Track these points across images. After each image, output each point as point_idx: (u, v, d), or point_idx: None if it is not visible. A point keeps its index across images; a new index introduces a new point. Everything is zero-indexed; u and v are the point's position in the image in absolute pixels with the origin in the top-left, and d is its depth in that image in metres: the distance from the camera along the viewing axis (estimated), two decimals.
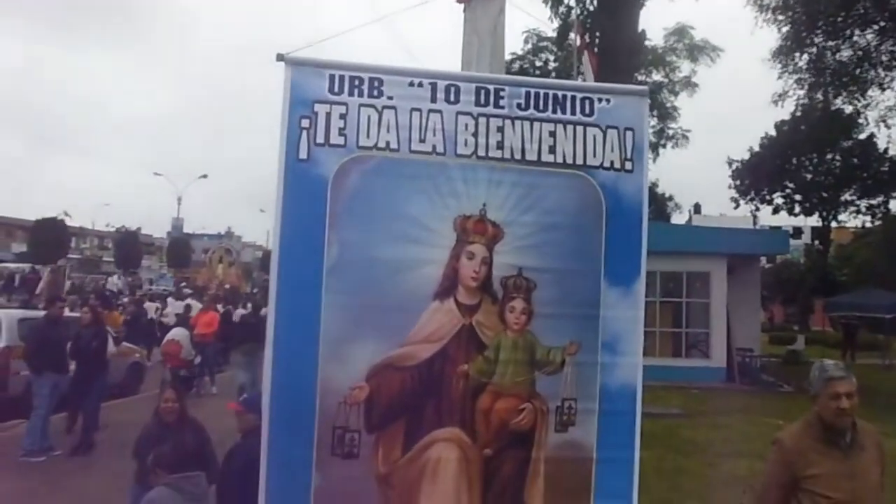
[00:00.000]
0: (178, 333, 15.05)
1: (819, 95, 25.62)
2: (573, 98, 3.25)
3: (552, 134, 3.18)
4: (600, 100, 3.27)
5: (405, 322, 2.99)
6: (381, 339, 2.99)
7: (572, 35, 14.43)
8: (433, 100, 3.16)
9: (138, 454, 5.85)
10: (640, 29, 9.85)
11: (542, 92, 3.25)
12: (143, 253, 57.19)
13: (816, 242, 38.58)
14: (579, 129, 3.21)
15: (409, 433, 2.96)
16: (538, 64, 31.90)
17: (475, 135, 3.12)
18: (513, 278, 3.02)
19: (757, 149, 32.66)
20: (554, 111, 3.21)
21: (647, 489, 8.78)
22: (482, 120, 3.15)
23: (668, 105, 31.59)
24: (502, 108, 3.18)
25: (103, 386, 10.63)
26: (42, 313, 12.02)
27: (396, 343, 2.98)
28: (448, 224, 3.04)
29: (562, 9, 11.70)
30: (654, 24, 44.38)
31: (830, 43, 22.30)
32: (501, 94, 3.20)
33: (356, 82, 3.16)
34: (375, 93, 3.15)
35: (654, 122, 32.13)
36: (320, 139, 3.06)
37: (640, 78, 31.49)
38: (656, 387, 17.42)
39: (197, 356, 14.93)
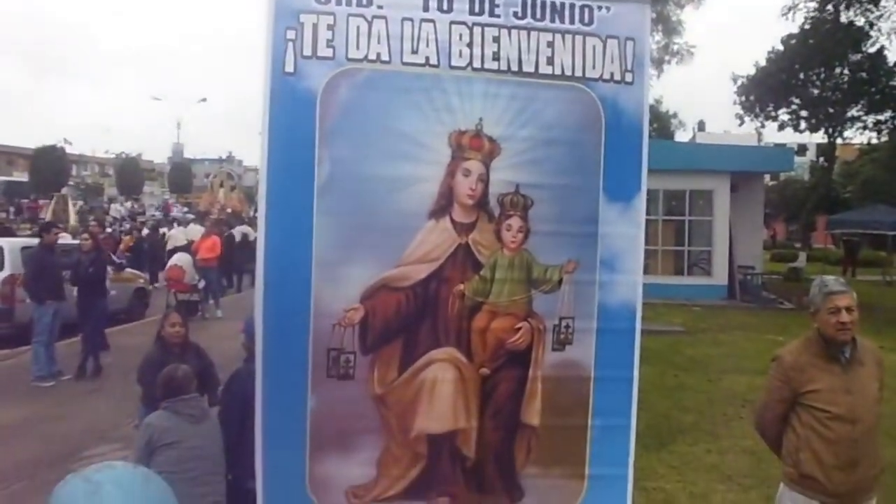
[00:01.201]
0: (180, 258, 15.12)
1: (830, 7, 24.88)
2: (572, 6, 3.07)
3: (550, 44, 3.02)
4: (600, 8, 3.09)
5: (399, 242, 2.92)
6: (375, 260, 2.92)
7: None
8: (425, 8, 2.99)
9: (143, 379, 5.92)
10: None
11: (539, 0, 3.08)
12: (145, 179, 56.96)
13: (821, 159, 38.19)
14: (578, 38, 3.04)
15: (405, 354, 2.93)
16: None
17: (470, 45, 2.97)
18: (510, 195, 2.92)
19: (763, 64, 31.94)
20: (552, 20, 3.04)
21: (648, 406, 8.97)
22: (477, 30, 2.99)
23: (674, 19, 30.78)
24: (498, 16, 3.02)
25: (105, 311, 10.71)
26: None
27: (391, 263, 2.91)
28: (443, 140, 2.93)
29: None
30: None
31: None
32: (497, 2, 3.01)
33: None
34: (364, 1, 2.98)
35: (658, 37, 31.34)
36: (307, 52, 2.92)
37: None
38: (658, 304, 17.57)
39: (200, 280, 15.03)
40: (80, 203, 33.68)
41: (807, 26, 27.95)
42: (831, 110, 31.97)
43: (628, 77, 3.05)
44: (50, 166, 44.64)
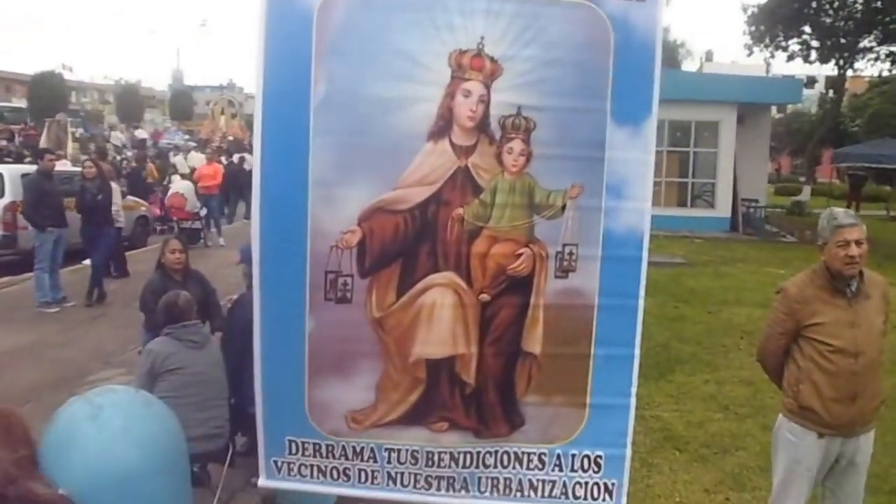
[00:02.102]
0: (182, 186, 15.06)
1: None
2: None
3: None
4: None
5: (397, 163, 2.84)
6: (372, 181, 2.85)
7: None
8: None
9: (144, 305, 5.95)
10: None
11: None
12: (145, 106, 56.31)
13: (830, 92, 37.53)
14: None
15: (403, 278, 2.89)
16: None
17: None
18: (511, 117, 2.82)
19: None
20: None
21: (647, 336, 8.96)
22: None
23: None
24: None
25: (111, 238, 10.72)
26: None
27: (388, 185, 2.84)
28: (443, 60, 2.81)
29: None
30: None
31: None
32: None
33: None
34: None
35: None
36: None
37: None
38: (660, 236, 17.56)
39: (202, 208, 14.99)
40: (80, 130, 33.32)
41: None
42: (843, 40, 31.22)
43: None
44: (49, 92, 44.12)
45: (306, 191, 2.82)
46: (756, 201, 20.58)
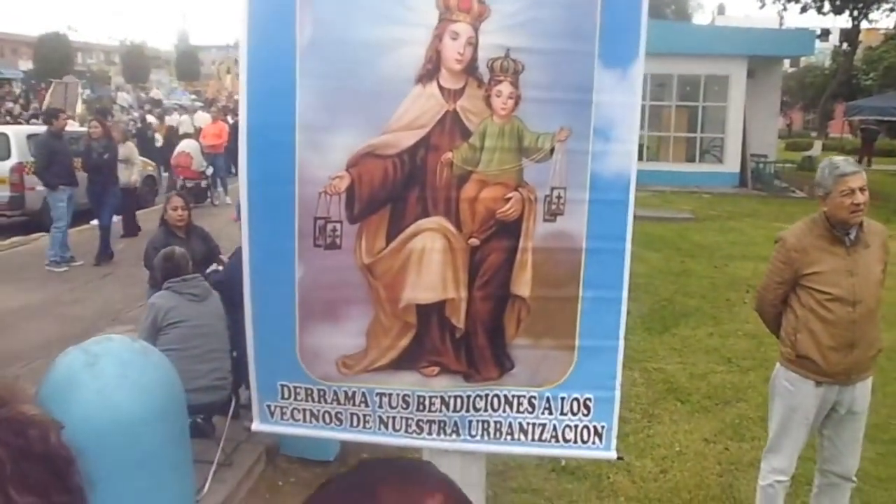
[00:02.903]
0: (188, 145, 15.08)
1: None
2: None
3: None
4: None
5: (385, 108, 2.81)
6: (360, 126, 2.83)
7: None
8: None
9: (148, 262, 6.00)
10: None
11: None
12: (151, 66, 55.99)
13: (844, 45, 36.83)
14: None
15: (393, 223, 2.88)
16: None
17: None
18: (499, 60, 2.78)
19: None
20: None
21: (652, 290, 9.08)
22: None
23: None
24: None
25: (117, 197, 10.78)
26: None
27: (377, 130, 2.82)
28: (431, 1, 2.78)
29: None
30: None
31: None
32: None
33: None
34: None
35: None
36: None
37: None
38: (668, 191, 17.50)
39: (208, 167, 15.02)
40: (87, 92, 33.24)
41: None
42: None
43: None
44: (54, 53, 43.91)
45: (293, 136, 2.81)
46: (765, 156, 20.38)
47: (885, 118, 25.40)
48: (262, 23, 2.80)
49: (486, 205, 2.85)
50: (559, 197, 2.85)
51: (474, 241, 2.89)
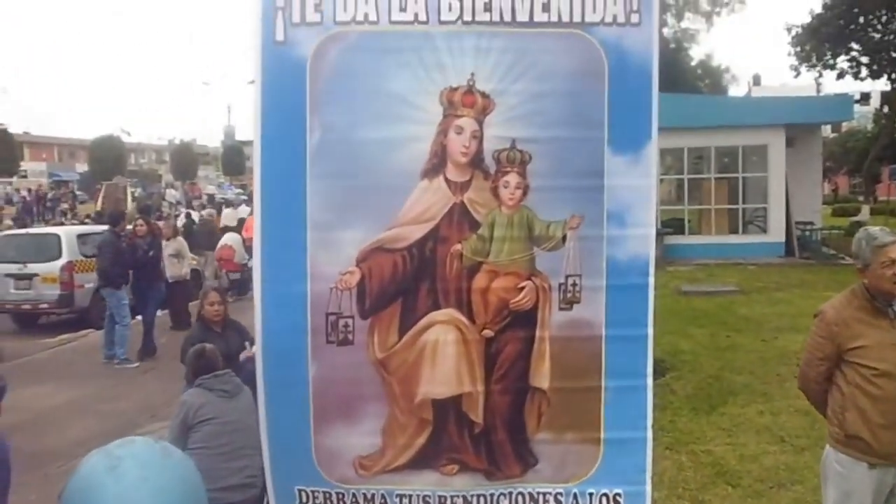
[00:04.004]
0: (230, 238, 15.41)
1: None
2: None
3: None
4: None
5: (394, 203, 2.85)
6: (369, 222, 2.87)
7: None
8: None
9: (185, 358, 6.04)
10: None
11: None
12: (199, 163, 58.18)
13: (885, 108, 36.56)
14: None
15: (405, 317, 2.88)
16: None
17: None
18: (505, 151, 2.82)
19: (819, 10, 30.62)
20: None
21: (698, 368, 8.81)
22: None
23: None
24: None
25: (160, 293, 11.03)
26: (100, 229, 12.46)
27: (385, 225, 2.85)
28: (434, 98, 2.83)
29: None
30: None
31: None
32: None
33: None
34: None
35: None
36: (296, 18, 2.86)
37: None
38: (711, 264, 17.22)
39: (251, 260, 15.25)
40: (139, 190, 34.59)
41: None
42: (895, 54, 30.50)
43: (634, 18, 2.87)
44: (108, 155, 46.01)
45: (305, 234, 2.85)
46: (811, 224, 20.02)
47: None
48: (274, 129, 2.89)
49: (498, 295, 2.83)
50: (574, 284, 2.82)
51: (488, 333, 2.85)
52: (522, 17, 2.81)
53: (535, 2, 2.81)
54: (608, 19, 2.83)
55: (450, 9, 2.81)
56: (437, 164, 2.83)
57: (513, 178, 2.81)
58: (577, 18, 2.83)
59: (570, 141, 2.81)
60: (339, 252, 2.86)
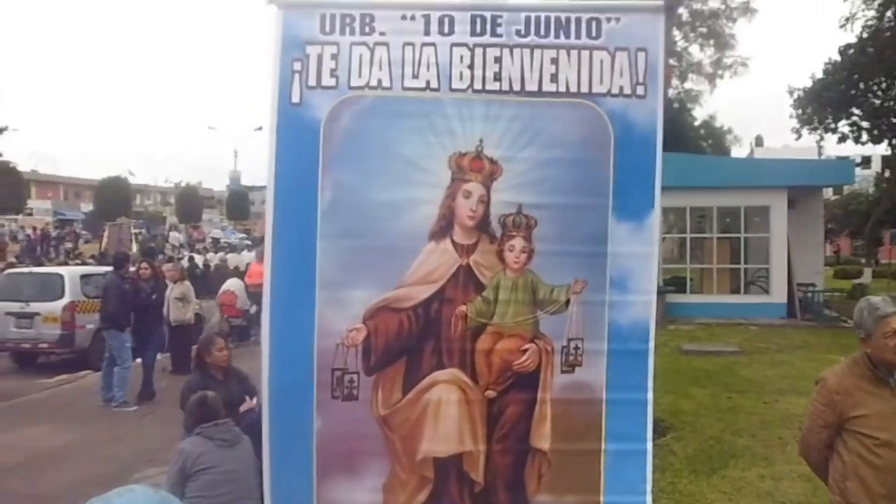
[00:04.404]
0: (233, 284, 15.41)
1: (889, 14, 24.16)
2: (578, 20, 3.04)
3: (554, 61, 2.99)
4: (609, 19, 3.03)
5: (401, 263, 2.93)
6: (377, 281, 2.94)
7: None
8: (426, 32, 3.02)
9: (184, 404, 6.02)
10: None
11: (542, 16, 3.04)
12: (204, 207, 58.54)
13: (886, 172, 36.89)
14: (584, 53, 3.01)
15: (409, 375, 2.93)
16: None
17: (471, 67, 2.98)
18: (511, 216, 2.91)
19: (820, 75, 31.13)
20: (556, 36, 3.02)
21: (699, 429, 8.75)
22: (478, 50, 3.00)
23: (727, 32, 30.40)
24: (500, 36, 3.01)
25: (161, 337, 11.01)
26: (103, 270, 12.51)
27: (393, 284, 2.93)
28: (443, 162, 2.94)
29: None
30: None
31: None
32: (499, 20, 3.02)
33: (347, 20, 3.05)
34: (367, 29, 3.04)
35: (710, 51, 30.96)
36: (312, 82, 2.99)
37: (694, 6, 30.47)
38: (713, 324, 17.14)
39: (252, 305, 15.24)
40: (143, 231, 34.77)
41: (865, 35, 27.20)
42: (895, 120, 30.92)
43: (640, 90, 2.98)
44: (114, 196, 46.31)
45: (314, 291, 2.91)
46: (813, 285, 20.01)
47: None
48: (287, 187, 2.98)
49: (501, 356, 2.88)
50: (577, 348, 2.87)
51: (491, 393, 2.89)
52: (531, 86, 2.93)
53: (543, 72, 2.93)
54: (615, 91, 2.94)
55: (461, 77, 2.93)
56: (444, 226, 2.91)
57: (518, 243, 2.89)
58: (584, 89, 2.94)
59: (576, 208, 2.90)
60: (347, 309, 2.92)
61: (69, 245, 28.90)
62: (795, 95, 31.92)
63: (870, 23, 25.18)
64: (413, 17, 3.04)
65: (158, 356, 11.13)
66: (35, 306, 12.25)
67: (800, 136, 32.91)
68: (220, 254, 22.54)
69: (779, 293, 19.10)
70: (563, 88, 2.96)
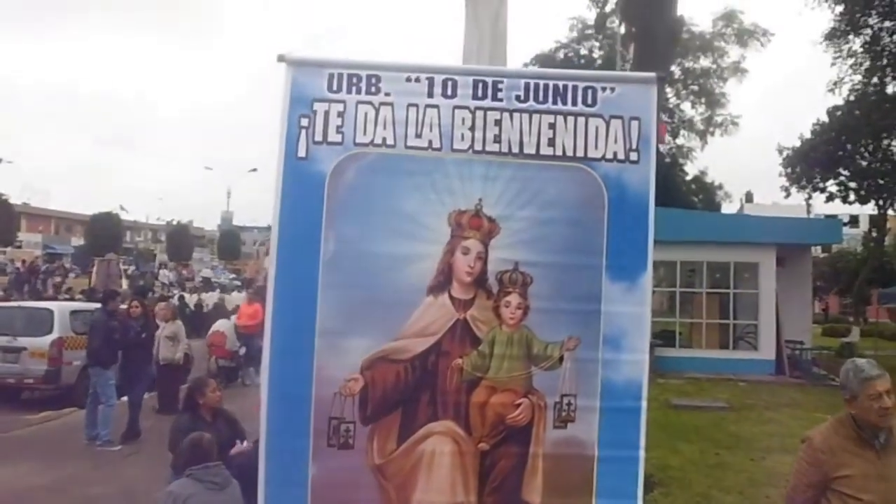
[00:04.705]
0: (222, 324, 15.38)
1: (876, 79, 24.76)
2: (574, 88, 3.19)
3: (552, 126, 3.13)
4: (604, 88, 3.20)
5: (400, 316, 3.02)
6: (375, 333, 3.02)
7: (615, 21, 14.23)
8: (430, 94, 3.16)
9: (173, 445, 5.99)
10: (678, 14, 9.59)
11: (541, 83, 3.20)
12: (195, 245, 58.47)
13: (873, 231, 37.36)
14: (580, 119, 3.15)
15: (404, 425, 2.99)
16: (583, 52, 31.58)
17: (472, 129, 3.11)
18: (508, 273, 3.01)
19: (808, 135, 31.75)
20: (554, 102, 3.17)
21: (686, 485, 8.73)
22: (479, 113, 3.14)
23: (717, 91, 31.01)
24: (500, 100, 3.16)
25: (149, 376, 10.95)
26: (93, 306, 12.46)
27: (391, 336, 3.01)
28: (443, 219, 3.05)
29: None
30: (701, 8, 43.61)
31: (887, 24, 21.49)
32: (500, 86, 3.17)
33: (354, 80, 3.19)
34: (373, 89, 3.18)
35: (701, 109, 31.55)
36: (318, 137, 3.11)
37: (686, 64, 31.11)
38: (702, 379, 17.15)
39: (241, 347, 15.20)
40: (132, 268, 34.65)
41: (852, 98, 27.83)
42: (881, 181, 31.44)
43: (633, 156, 3.11)
44: (105, 232, 46.23)
45: (313, 339, 2.97)
46: (801, 343, 20.08)
47: None
48: (291, 237, 3.07)
49: (495, 410, 2.94)
50: (570, 404, 2.94)
51: (484, 446, 2.95)
52: (529, 149, 3.05)
53: (541, 136, 3.06)
54: (609, 156, 3.07)
55: (462, 138, 3.05)
56: (442, 281, 3.00)
57: (514, 299, 2.97)
58: (580, 153, 3.06)
59: (571, 267, 2.99)
60: (345, 358, 2.99)
61: (58, 279, 28.73)
62: (785, 154, 32.52)
63: (857, 87, 25.79)
64: (418, 80, 3.18)
65: (146, 395, 11.04)
66: (22, 341, 12.17)
67: (789, 195, 33.43)
68: (214, 293, 22.46)
69: (767, 349, 19.15)
70: (559, 152, 3.09)
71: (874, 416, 3.38)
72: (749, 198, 56.82)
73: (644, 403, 2.98)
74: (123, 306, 12.31)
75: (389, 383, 3.00)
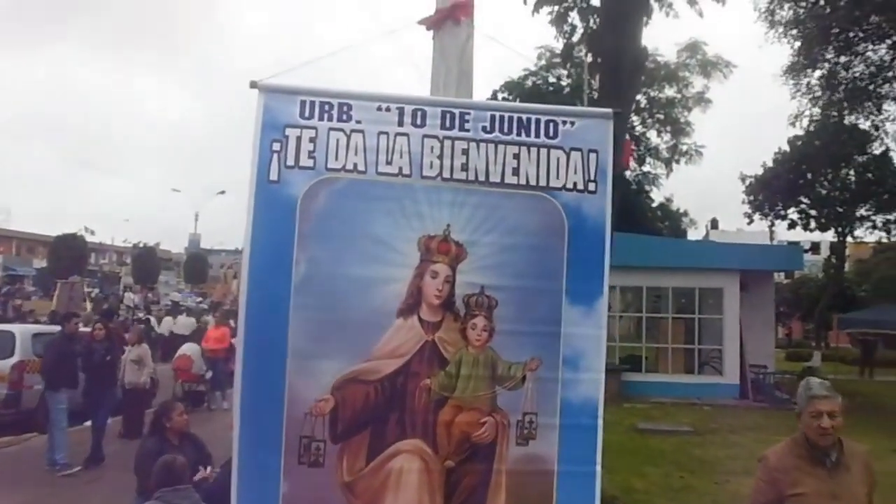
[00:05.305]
0: (189, 348, 15.23)
1: (834, 112, 25.47)
2: (537, 121, 3.35)
3: (516, 156, 3.28)
4: (564, 122, 3.36)
5: (370, 337, 3.11)
6: (346, 354, 3.11)
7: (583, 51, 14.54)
8: (400, 123, 3.28)
9: (139, 469, 5.95)
10: (643, 45, 9.85)
11: (506, 115, 3.36)
12: (161, 268, 57.74)
13: (833, 258, 38.24)
14: (543, 151, 3.31)
15: (373, 444, 3.07)
16: (551, 80, 32.05)
17: (440, 157, 3.24)
18: (475, 296, 3.13)
19: (770, 164, 32.50)
20: (518, 134, 3.32)
21: None
22: (448, 143, 3.27)
23: (682, 121, 31.60)
24: (468, 131, 3.30)
25: (114, 399, 10.80)
26: (56, 329, 12.28)
27: (361, 357, 3.10)
28: (413, 244, 3.16)
29: (566, 27, 11.76)
30: (665, 39, 44.53)
31: (843, 59, 22.19)
32: (467, 117, 3.32)
33: (326, 107, 3.30)
34: (344, 117, 3.29)
35: (667, 137, 32.13)
36: (290, 162, 3.20)
37: (652, 94, 31.71)
38: (667, 403, 17.34)
39: (208, 371, 15.06)
40: (96, 291, 34.11)
41: (812, 128, 28.55)
42: (840, 209, 32.27)
43: (591, 186, 3.28)
44: (69, 253, 45.46)
45: (285, 361, 3.05)
46: (765, 367, 20.41)
47: (882, 331, 25.69)
48: (263, 260, 3.15)
49: (461, 428, 3.04)
50: (531, 422, 3.05)
51: (450, 463, 3.04)
52: (495, 178, 3.19)
53: (506, 166, 3.20)
54: (569, 185, 3.23)
55: (431, 166, 3.17)
56: (412, 304, 3.11)
57: (480, 321, 3.09)
58: (542, 183, 3.21)
59: (533, 291, 3.12)
60: (316, 379, 3.07)
61: (18, 302, 28.20)
62: (748, 182, 33.22)
63: (816, 119, 26.50)
64: (388, 109, 3.30)
65: (109, 420, 10.88)
66: None
67: (752, 221, 34.13)
68: (182, 317, 22.16)
69: (731, 374, 19.42)
70: (523, 181, 3.24)
71: (813, 433, 3.49)
72: (714, 224, 57.73)
73: (600, 421, 3.10)
74: (86, 329, 12.17)
75: (359, 403, 3.08)
